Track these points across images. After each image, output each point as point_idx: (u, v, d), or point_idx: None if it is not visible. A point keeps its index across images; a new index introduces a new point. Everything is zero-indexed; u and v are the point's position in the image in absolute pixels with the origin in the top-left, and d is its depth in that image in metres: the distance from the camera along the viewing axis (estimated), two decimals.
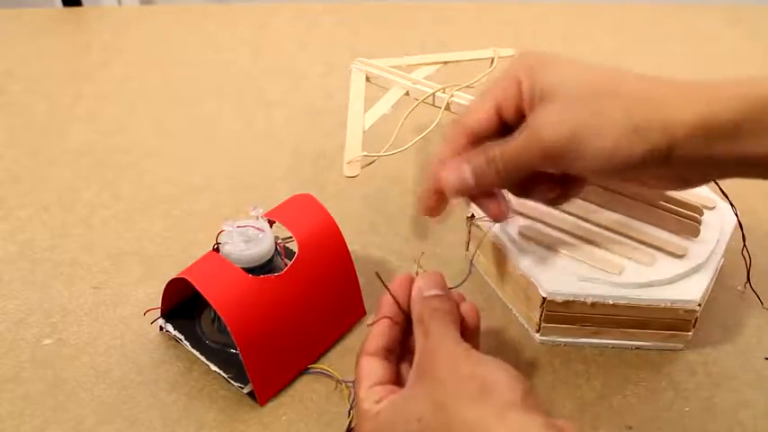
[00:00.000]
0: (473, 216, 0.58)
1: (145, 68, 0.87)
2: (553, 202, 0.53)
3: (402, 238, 0.63)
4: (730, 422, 0.49)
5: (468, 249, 0.61)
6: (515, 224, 0.56)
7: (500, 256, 0.56)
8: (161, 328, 0.54)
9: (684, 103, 0.42)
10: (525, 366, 0.53)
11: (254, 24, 0.96)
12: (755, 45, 0.94)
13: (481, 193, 0.48)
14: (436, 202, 0.49)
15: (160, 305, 0.53)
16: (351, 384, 0.50)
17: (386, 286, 0.46)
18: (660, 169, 0.43)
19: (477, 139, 0.47)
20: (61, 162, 0.72)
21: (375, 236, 0.63)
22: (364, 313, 0.56)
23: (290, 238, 0.54)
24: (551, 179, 0.49)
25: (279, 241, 0.52)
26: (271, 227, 0.52)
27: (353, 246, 0.56)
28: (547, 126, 0.44)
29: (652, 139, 0.42)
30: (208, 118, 0.79)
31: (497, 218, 0.50)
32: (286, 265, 0.51)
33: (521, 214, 0.56)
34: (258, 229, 0.51)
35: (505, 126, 0.47)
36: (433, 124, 0.60)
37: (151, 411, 0.49)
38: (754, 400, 0.51)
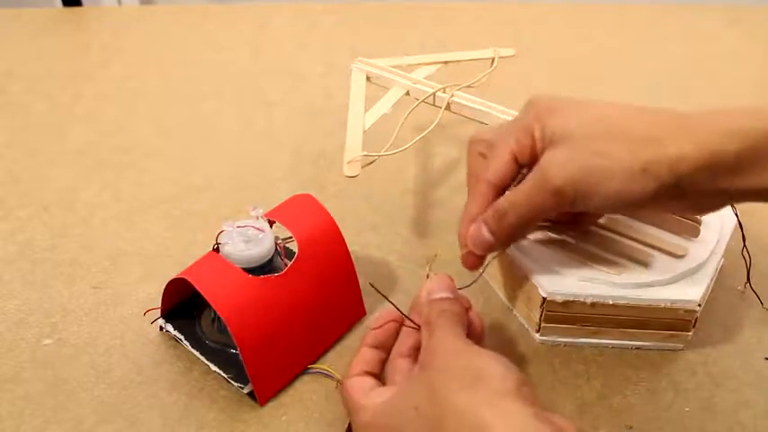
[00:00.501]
0: None
1: (145, 68, 0.87)
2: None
3: (402, 238, 0.63)
4: (730, 422, 0.49)
5: None
6: None
7: (500, 256, 0.56)
8: (161, 328, 0.54)
9: (688, 139, 0.42)
10: (525, 366, 0.53)
11: (254, 24, 0.96)
12: (755, 45, 0.94)
13: (511, 241, 0.49)
14: (475, 259, 0.51)
15: (160, 305, 0.53)
16: None
17: (383, 295, 0.47)
18: (672, 201, 0.44)
19: (501, 190, 0.49)
20: (61, 162, 0.72)
21: (375, 236, 0.63)
22: (364, 313, 0.56)
23: (290, 238, 0.53)
24: (563, 214, 0.50)
25: (279, 241, 0.52)
26: (271, 227, 0.52)
27: (353, 246, 0.56)
28: (554, 167, 0.45)
29: (660, 176, 0.43)
30: (208, 118, 0.79)
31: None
32: (286, 265, 0.51)
33: None
34: (258, 229, 0.51)
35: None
36: (433, 124, 0.60)
37: (151, 411, 0.49)
38: (754, 400, 0.51)
